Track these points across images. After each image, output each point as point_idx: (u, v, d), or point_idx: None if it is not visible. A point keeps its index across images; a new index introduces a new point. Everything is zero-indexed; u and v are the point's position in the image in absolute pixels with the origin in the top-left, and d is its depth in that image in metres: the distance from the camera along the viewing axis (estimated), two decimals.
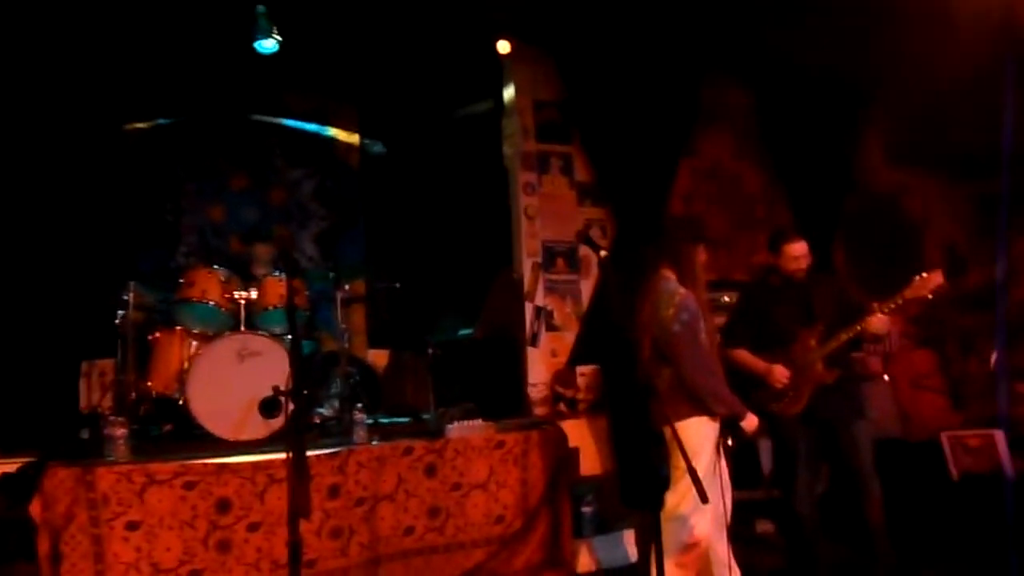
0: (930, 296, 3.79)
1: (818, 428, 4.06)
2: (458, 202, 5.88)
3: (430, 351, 5.53)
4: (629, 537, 4.96)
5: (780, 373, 4.05)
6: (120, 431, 4.00)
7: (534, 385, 5.44)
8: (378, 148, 6.52)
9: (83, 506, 3.65)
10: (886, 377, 5.83)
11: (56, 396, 4.85)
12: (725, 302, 5.13)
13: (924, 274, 3.78)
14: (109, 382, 4.88)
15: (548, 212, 5.60)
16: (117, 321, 4.71)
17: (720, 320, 4.28)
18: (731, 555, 3.62)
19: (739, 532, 4.81)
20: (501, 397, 5.24)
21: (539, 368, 5.47)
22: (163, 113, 5.89)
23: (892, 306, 3.84)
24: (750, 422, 3.63)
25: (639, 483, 4.88)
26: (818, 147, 5.75)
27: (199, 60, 5.50)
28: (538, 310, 5.54)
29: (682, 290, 3.64)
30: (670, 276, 3.72)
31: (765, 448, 5.16)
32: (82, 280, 4.99)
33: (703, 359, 3.61)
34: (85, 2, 4.73)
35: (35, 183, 4.87)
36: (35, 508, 3.55)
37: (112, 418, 4.15)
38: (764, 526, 5.29)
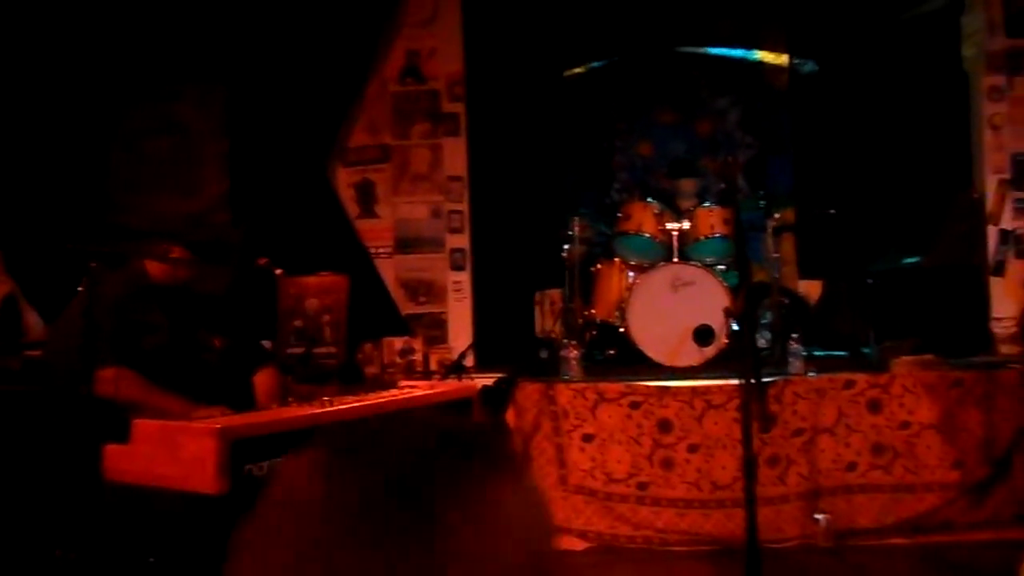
0: None
1: None
2: (904, 116, 5.31)
3: (869, 281, 5.17)
4: None
5: None
6: (573, 353, 4.47)
7: (1000, 320, 4.78)
8: (809, 67, 6.15)
9: (547, 417, 4.16)
10: None
11: (517, 322, 5.53)
12: None
13: None
14: (559, 310, 5.43)
15: (1020, 120, 4.80)
16: (563, 254, 5.21)
17: None
18: None
19: None
20: (957, 333, 4.70)
21: (1006, 301, 4.79)
22: (597, 56, 6.24)
23: None
24: None
25: None
26: None
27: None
28: (1004, 234, 4.83)
29: None
30: None
31: None
32: (533, 219, 5.57)
33: None
34: None
35: (498, 138, 5.53)
36: (510, 416, 4.15)
37: (565, 341, 4.65)
38: None
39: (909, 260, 5.39)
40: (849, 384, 4.14)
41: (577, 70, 6.19)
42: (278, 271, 3.26)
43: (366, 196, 5.32)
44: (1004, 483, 4.01)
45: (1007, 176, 4.81)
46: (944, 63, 5.10)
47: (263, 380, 3.17)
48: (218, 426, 2.26)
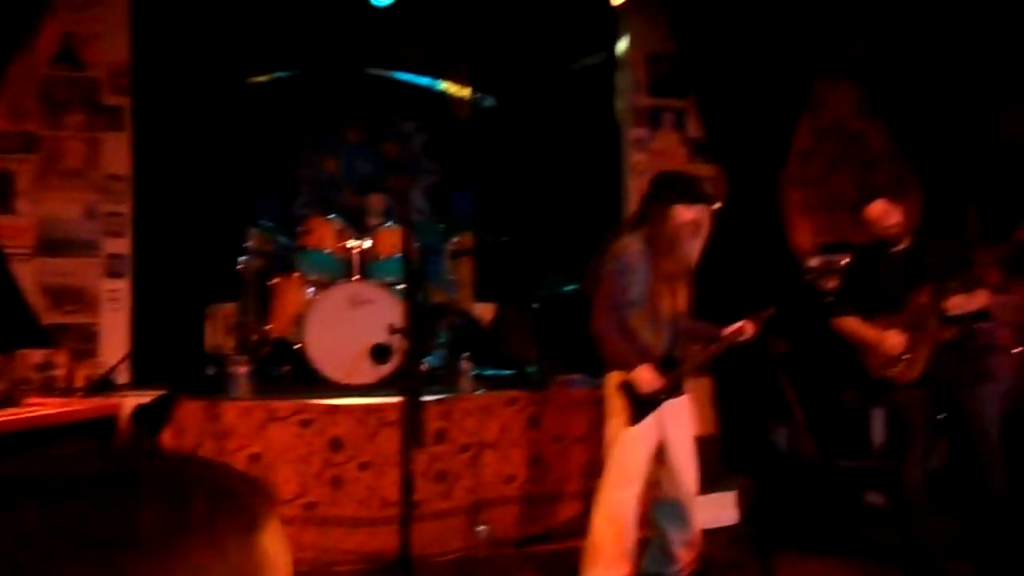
0: None
1: (937, 392, 3.86)
2: (568, 157, 5.83)
3: (534, 306, 5.57)
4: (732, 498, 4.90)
5: (893, 341, 3.84)
6: (243, 370, 4.24)
7: None
8: (489, 102, 6.53)
9: (209, 437, 3.90)
10: (1018, 349, 5.46)
11: (184, 336, 5.14)
12: (841, 266, 4.93)
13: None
14: (232, 324, 5.15)
15: (658, 169, 5.50)
16: (240, 267, 4.96)
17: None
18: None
19: (846, 503, 4.69)
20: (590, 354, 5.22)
21: None
22: (282, 67, 6.07)
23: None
24: (638, 378, 3.39)
25: (743, 446, 4.83)
26: (949, 105, 5.38)
27: (316, 14, 5.64)
28: None
29: (626, 240, 3.51)
30: (631, 233, 3.56)
31: (878, 416, 4.97)
32: (207, 228, 5.24)
33: (613, 311, 3.49)
34: None
35: (170, 138, 5.13)
36: (167, 437, 3.82)
37: (235, 357, 4.41)
38: (873, 497, 5.12)
39: (569, 287, 5.89)
40: (512, 401, 4.40)
41: (261, 78, 5.97)
42: None
43: (3, 189, 4.62)
44: None
45: None
46: (601, 112, 5.70)
47: None
48: None
